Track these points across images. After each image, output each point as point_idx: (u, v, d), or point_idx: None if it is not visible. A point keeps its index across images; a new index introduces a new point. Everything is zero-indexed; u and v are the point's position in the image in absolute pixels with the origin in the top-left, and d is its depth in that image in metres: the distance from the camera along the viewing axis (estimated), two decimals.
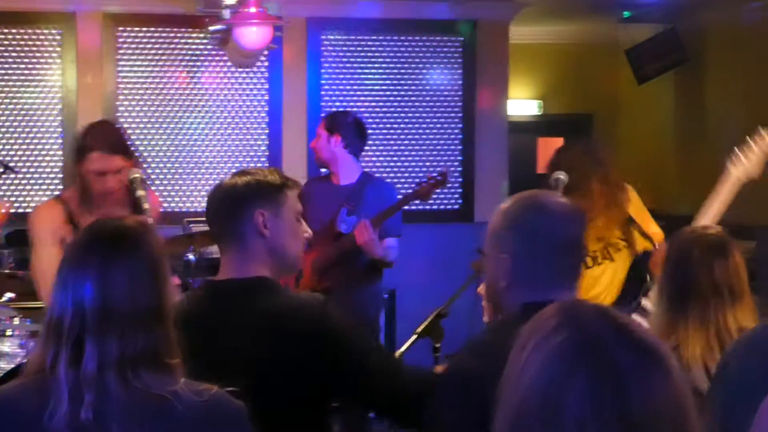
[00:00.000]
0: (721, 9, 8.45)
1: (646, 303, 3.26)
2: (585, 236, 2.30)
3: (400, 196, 5.42)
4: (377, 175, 7.80)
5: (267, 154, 8.10)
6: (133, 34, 7.87)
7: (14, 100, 7.68)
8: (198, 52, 7.94)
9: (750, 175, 4.16)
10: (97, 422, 1.94)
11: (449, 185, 8.28)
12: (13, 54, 7.68)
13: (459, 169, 8.40)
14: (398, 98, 8.31)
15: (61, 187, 7.35)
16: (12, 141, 7.64)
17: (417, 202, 5.41)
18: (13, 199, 7.24)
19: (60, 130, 7.73)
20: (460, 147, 8.42)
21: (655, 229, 4.53)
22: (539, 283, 2.19)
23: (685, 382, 1.33)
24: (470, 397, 2.03)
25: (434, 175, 5.16)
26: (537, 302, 2.11)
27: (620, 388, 1.26)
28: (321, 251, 5.28)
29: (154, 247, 2.11)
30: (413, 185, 5.44)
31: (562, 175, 4.52)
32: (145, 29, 7.88)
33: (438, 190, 5.37)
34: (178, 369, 2.04)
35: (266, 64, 8.00)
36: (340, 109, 5.85)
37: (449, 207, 8.37)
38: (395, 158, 8.30)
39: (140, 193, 4.01)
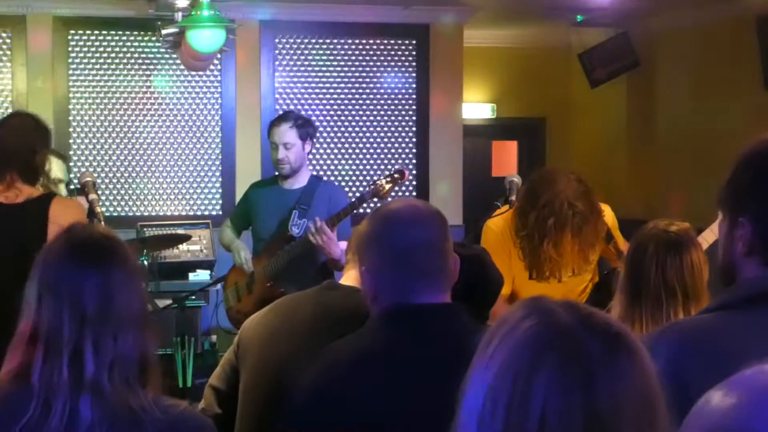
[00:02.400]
0: (672, 14, 8.55)
1: None
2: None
3: (352, 198, 5.36)
4: (332, 178, 7.81)
5: (221, 157, 8.08)
6: (84, 38, 7.82)
7: None
8: (150, 56, 7.90)
9: None
10: (91, 424, 1.96)
11: (404, 188, 8.33)
12: None
13: (414, 172, 8.42)
14: (352, 101, 8.31)
15: None
16: None
17: (372, 203, 5.31)
18: None
19: None
20: (414, 150, 8.44)
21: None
22: (393, 292, 2.22)
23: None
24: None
25: (391, 172, 5.07)
26: (396, 303, 2.19)
27: (588, 376, 1.26)
28: (272, 256, 5.23)
29: (133, 256, 2.17)
30: (369, 186, 5.34)
31: (516, 178, 4.55)
32: (96, 32, 7.82)
33: (396, 188, 5.25)
34: (154, 381, 2.05)
35: (219, 67, 7.97)
36: (290, 111, 5.64)
37: None
38: (350, 161, 8.31)
39: (93, 196, 3.99)
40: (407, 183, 8.40)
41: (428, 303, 2.19)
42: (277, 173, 5.42)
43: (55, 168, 4.69)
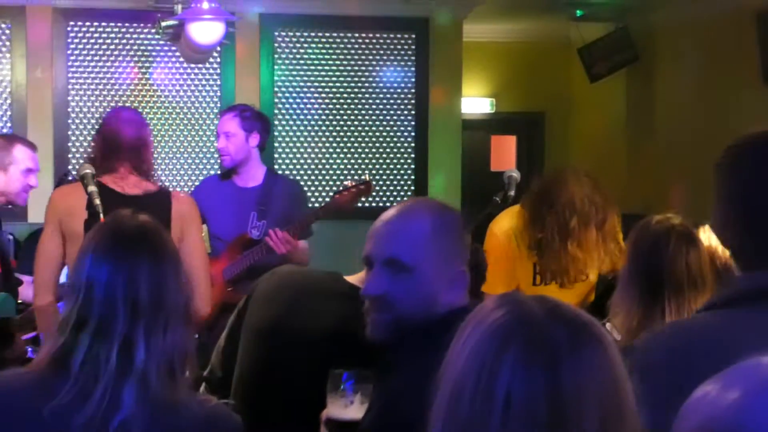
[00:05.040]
0: (671, 9, 8.55)
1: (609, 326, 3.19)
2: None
3: (320, 201, 5.09)
4: (330, 172, 7.81)
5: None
6: (84, 29, 7.80)
7: None
8: (150, 48, 7.88)
9: None
10: (132, 411, 1.96)
11: (403, 182, 8.33)
12: None
13: (412, 166, 8.42)
14: (351, 95, 8.31)
15: None
16: None
17: (363, 199, 5.05)
18: None
19: (9, 125, 7.64)
20: (413, 144, 8.43)
21: None
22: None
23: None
24: None
25: (357, 182, 4.81)
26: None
27: (552, 361, 1.30)
28: (232, 259, 5.06)
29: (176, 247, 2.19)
30: (333, 195, 4.99)
31: (514, 173, 4.56)
32: (96, 24, 7.81)
33: (363, 199, 5.00)
34: (191, 374, 2.06)
35: (219, 60, 7.96)
36: (243, 105, 5.35)
37: None
38: (348, 155, 8.30)
39: (92, 188, 3.98)
40: (405, 177, 8.40)
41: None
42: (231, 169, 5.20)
43: (24, 157, 4.61)
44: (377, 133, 8.36)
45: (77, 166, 4.79)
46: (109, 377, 1.95)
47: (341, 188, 4.89)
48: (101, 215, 3.82)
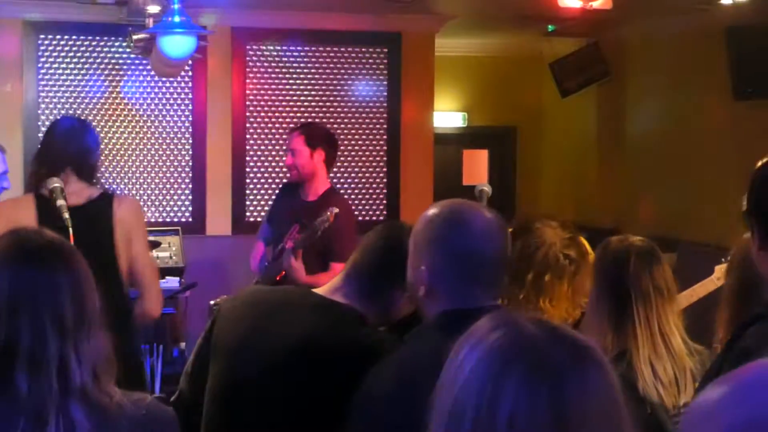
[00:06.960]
0: (642, 24, 8.60)
1: None
2: (506, 252, 2.29)
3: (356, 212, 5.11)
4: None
5: (191, 164, 8.04)
6: (54, 42, 7.76)
7: None
8: (121, 61, 7.85)
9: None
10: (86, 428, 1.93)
11: (375, 196, 8.33)
12: None
13: (384, 180, 8.42)
14: (324, 109, 8.30)
15: None
16: None
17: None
18: None
19: None
20: (385, 158, 8.43)
21: None
22: (455, 295, 2.21)
23: (617, 381, 1.35)
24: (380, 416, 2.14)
25: (325, 218, 4.79)
26: (455, 309, 2.16)
27: (555, 383, 1.28)
28: (272, 267, 5.20)
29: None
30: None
31: (486, 187, 4.55)
32: (66, 37, 7.77)
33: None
34: (113, 375, 2.04)
35: (190, 73, 7.94)
36: (311, 121, 5.50)
37: (375, 218, 8.37)
38: None
39: (60, 202, 3.96)
40: (378, 191, 8.39)
41: (483, 306, 2.17)
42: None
43: None
44: (349, 147, 8.35)
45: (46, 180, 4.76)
46: (57, 402, 1.92)
47: (324, 222, 4.83)
48: (70, 229, 3.80)
